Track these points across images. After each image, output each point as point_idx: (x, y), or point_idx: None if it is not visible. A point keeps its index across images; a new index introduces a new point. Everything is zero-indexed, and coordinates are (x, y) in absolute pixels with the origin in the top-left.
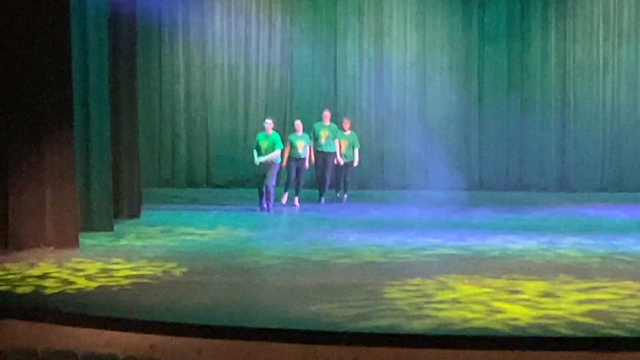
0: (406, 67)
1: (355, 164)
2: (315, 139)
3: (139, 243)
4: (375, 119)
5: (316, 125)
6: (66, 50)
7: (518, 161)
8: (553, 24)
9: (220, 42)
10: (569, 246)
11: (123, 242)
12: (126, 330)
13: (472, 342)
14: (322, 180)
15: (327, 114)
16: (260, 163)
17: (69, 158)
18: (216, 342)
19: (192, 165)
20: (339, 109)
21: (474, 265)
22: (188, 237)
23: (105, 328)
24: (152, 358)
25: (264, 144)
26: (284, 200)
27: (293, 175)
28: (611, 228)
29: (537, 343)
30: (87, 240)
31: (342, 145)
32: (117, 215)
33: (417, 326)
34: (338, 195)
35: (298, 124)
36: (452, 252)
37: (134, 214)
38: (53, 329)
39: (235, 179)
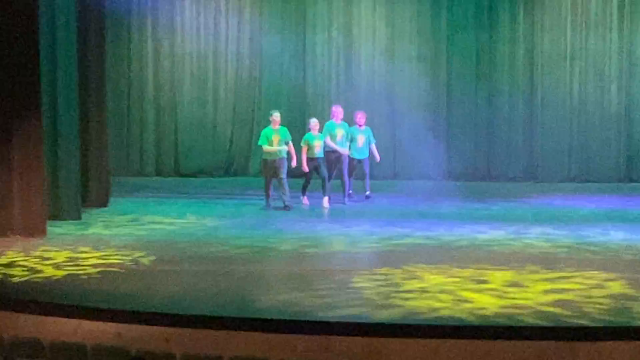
0: (375, 56)
1: (378, 159)
2: (331, 137)
3: (107, 232)
4: (344, 108)
5: (329, 124)
6: (34, 39)
7: (486, 151)
8: (521, 13)
9: (189, 31)
10: (536, 236)
11: (91, 230)
12: (94, 319)
13: (440, 332)
14: (341, 180)
15: (340, 109)
16: (272, 160)
17: (37, 147)
18: (184, 330)
19: (160, 154)
20: (308, 98)
21: (442, 255)
22: (156, 226)
23: (73, 317)
24: (120, 346)
25: (275, 139)
26: (306, 201)
27: (311, 176)
28: (578, 218)
29: (503, 332)
30: (54, 228)
31: (359, 141)
32: (85, 204)
33: (385, 315)
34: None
35: (315, 123)
36: (420, 241)
37: (102, 203)
38: (20, 318)
39: (204, 168)
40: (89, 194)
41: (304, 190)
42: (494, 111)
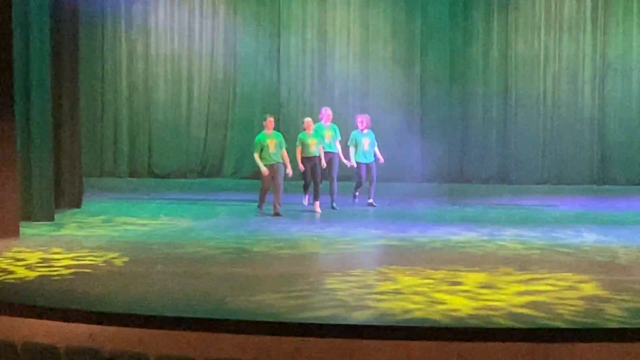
0: (349, 58)
1: (382, 160)
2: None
3: (80, 233)
4: (317, 109)
5: (317, 126)
6: (7, 39)
7: (460, 153)
8: (495, 16)
9: (164, 32)
10: (509, 238)
11: (64, 231)
12: (66, 320)
13: (413, 333)
14: (331, 183)
15: (329, 113)
16: (270, 164)
17: (11, 147)
18: (157, 332)
19: (134, 155)
20: (282, 100)
21: (415, 257)
22: (129, 227)
23: (45, 318)
24: (92, 348)
25: (271, 143)
26: (306, 201)
27: (309, 175)
28: (551, 220)
29: (477, 334)
30: (27, 229)
31: (364, 145)
32: (58, 205)
33: (358, 317)
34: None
35: (309, 121)
36: (393, 243)
37: (75, 204)
38: None
39: (178, 169)
40: (62, 194)
41: (305, 190)
42: (468, 113)
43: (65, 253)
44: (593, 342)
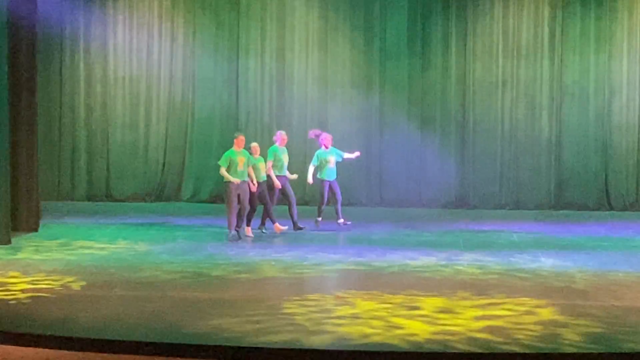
0: (308, 82)
1: (359, 153)
2: (276, 162)
3: (37, 257)
4: (276, 133)
5: (275, 149)
6: None
7: (418, 177)
8: (453, 41)
9: (122, 55)
10: (467, 262)
11: (21, 255)
12: (23, 344)
13: (371, 358)
14: (290, 208)
15: (285, 137)
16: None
17: None
18: (114, 356)
19: (92, 179)
20: (241, 123)
21: (373, 281)
22: (87, 251)
23: (1, 342)
24: None
25: (240, 162)
26: (249, 232)
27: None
28: (509, 245)
29: (435, 359)
30: None
31: (330, 162)
32: (15, 229)
33: (316, 341)
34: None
35: (255, 146)
36: (351, 267)
37: (32, 227)
38: None
39: (136, 193)
40: (19, 218)
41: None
42: (426, 138)
43: (22, 277)
44: None
